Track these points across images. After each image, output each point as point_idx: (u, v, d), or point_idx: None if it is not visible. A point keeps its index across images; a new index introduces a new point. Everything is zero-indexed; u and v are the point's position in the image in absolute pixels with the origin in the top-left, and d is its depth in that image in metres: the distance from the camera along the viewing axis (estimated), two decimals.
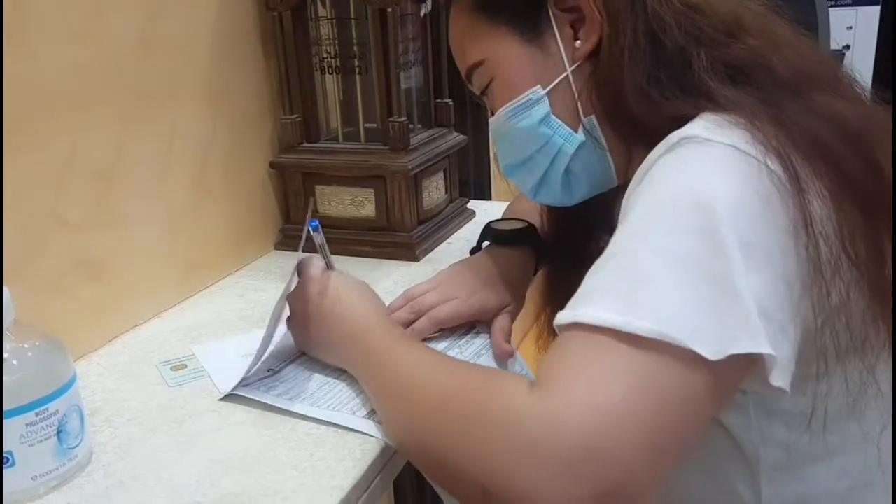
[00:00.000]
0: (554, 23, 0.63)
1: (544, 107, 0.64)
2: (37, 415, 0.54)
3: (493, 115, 0.69)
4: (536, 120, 0.65)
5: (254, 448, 0.60)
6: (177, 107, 0.89)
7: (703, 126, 0.52)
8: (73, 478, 0.57)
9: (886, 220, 0.51)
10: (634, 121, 0.58)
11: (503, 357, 0.74)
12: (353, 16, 0.98)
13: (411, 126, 1.04)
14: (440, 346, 0.75)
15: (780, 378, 0.46)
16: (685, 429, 0.45)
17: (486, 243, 0.85)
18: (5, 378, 0.53)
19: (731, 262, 0.45)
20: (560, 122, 0.65)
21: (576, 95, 0.63)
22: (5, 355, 0.54)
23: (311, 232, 0.69)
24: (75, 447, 0.57)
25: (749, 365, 0.46)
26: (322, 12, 1.00)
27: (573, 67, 0.63)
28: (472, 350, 0.75)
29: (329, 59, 1.01)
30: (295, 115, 1.02)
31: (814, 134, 0.51)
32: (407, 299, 0.76)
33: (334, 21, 0.99)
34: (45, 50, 0.71)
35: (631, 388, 0.44)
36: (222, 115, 0.96)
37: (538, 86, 0.64)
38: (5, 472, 0.53)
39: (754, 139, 0.49)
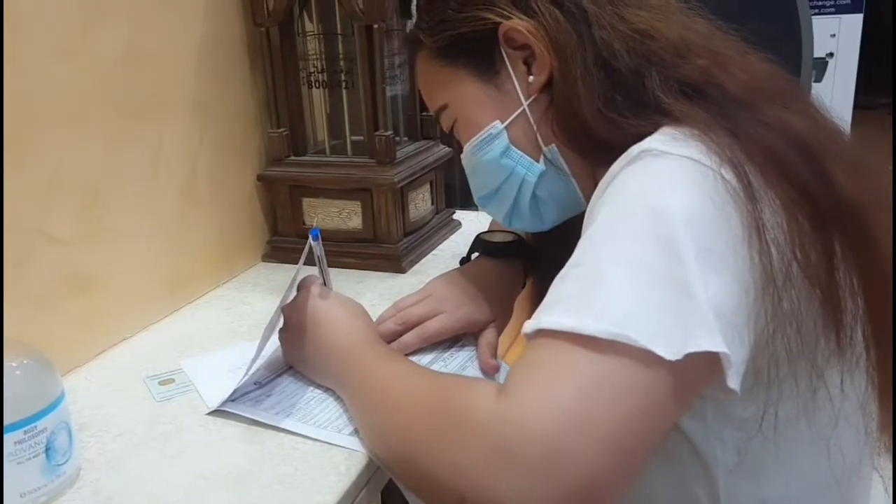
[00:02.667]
0: (507, 61, 0.66)
1: (504, 140, 0.67)
2: (25, 433, 0.55)
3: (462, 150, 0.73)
4: (498, 153, 0.68)
5: (240, 463, 0.61)
6: (164, 121, 0.90)
7: (660, 139, 0.54)
8: (62, 494, 0.58)
9: (838, 228, 0.53)
10: (598, 143, 0.60)
11: (490, 372, 0.75)
12: (339, 31, 0.99)
13: (397, 139, 1.05)
14: (426, 358, 0.76)
15: (734, 380, 0.47)
16: (646, 429, 0.46)
17: (475, 254, 0.86)
18: None
19: (688, 267, 0.47)
20: (521, 153, 0.67)
21: (534, 127, 0.66)
22: None
23: (312, 241, 0.71)
24: (63, 464, 0.58)
25: (706, 366, 0.47)
26: (309, 28, 1.01)
27: (529, 101, 0.66)
28: (457, 363, 0.76)
29: (316, 74, 1.02)
30: (282, 129, 1.03)
31: (765, 145, 0.53)
32: (396, 310, 0.78)
33: (321, 36, 1.00)
34: (31, 65, 0.72)
35: (586, 388, 0.45)
36: (209, 129, 0.97)
37: (497, 121, 0.67)
38: None
39: (709, 150, 0.52)
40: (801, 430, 0.56)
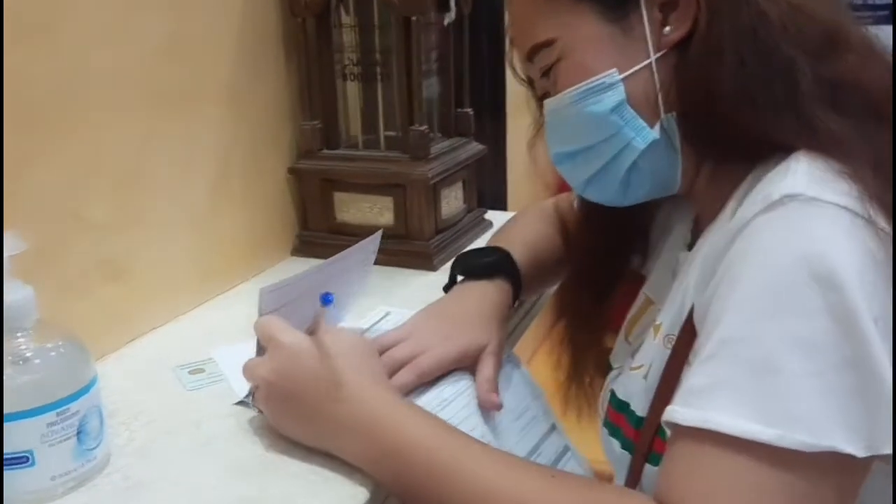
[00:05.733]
0: (643, 4, 0.57)
1: (619, 93, 0.58)
2: (58, 415, 0.54)
3: (544, 97, 0.63)
4: (608, 107, 0.58)
5: (271, 453, 0.60)
6: (199, 110, 0.89)
7: (806, 179, 0.48)
8: (92, 479, 0.57)
9: None
10: (720, 127, 0.54)
11: (490, 409, 0.67)
12: (376, 23, 0.98)
13: (431, 135, 1.04)
14: (426, 397, 0.66)
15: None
16: None
17: (461, 278, 0.78)
18: (27, 377, 0.53)
19: (870, 344, 0.43)
20: (634, 114, 0.58)
21: (657, 86, 0.57)
22: (28, 354, 0.54)
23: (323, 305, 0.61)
24: (94, 448, 0.57)
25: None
26: (345, 19, 1.00)
27: (658, 55, 0.57)
28: (462, 403, 0.67)
29: (351, 66, 1.01)
30: (315, 122, 1.03)
31: None
32: (380, 349, 0.67)
33: (357, 28, 0.99)
34: (73, 50, 0.72)
35: None
36: (243, 120, 0.96)
37: (614, 69, 0.57)
38: (25, 471, 0.53)
39: (860, 194, 0.46)
40: None
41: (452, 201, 1.07)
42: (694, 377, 0.47)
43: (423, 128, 0.98)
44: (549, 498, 0.49)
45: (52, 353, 0.55)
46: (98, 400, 0.58)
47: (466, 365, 0.69)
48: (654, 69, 0.57)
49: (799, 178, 0.48)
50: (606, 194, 0.64)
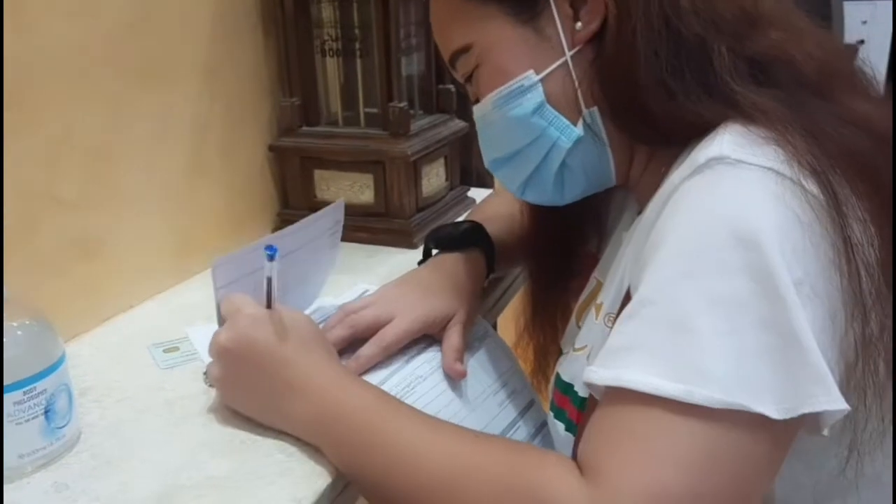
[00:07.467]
0: (552, 2, 0.57)
1: (538, 95, 0.58)
2: (24, 393, 0.54)
3: (476, 102, 0.64)
4: (529, 109, 0.58)
5: (242, 432, 0.60)
6: (173, 86, 0.88)
7: (731, 144, 0.47)
8: (61, 457, 0.57)
9: None
10: (645, 117, 0.54)
11: (455, 378, 0.68)
12: None
13: (412, 111, 1.03)
14: (386, 370, 0.66)
15: (827, 427, 0.44)
16: (752, 496, 0.43)
17: (435, 251, 0.78)
18: None
19: (788, 305, 0.42)
20: (556, 113, 0.58)
21: (576, 84, 0.57)
22: None
23: (266, 262, 0.59)
24: (63, 427, 0.57)
25: (814, 416, 0.43)
26: None
27: (572, 52, 0.57)
28: (424, 370, 0.68)
29: (330, 42, 1.00)
30: (294, 98, 1.02)
31: (848, 147, 0.47)
32: (344, 314, 0.68)
33: (336, 3, 0.98)
34: (42, 24, 0.71)
35: (697, 470, 0.41)
36: (219, 96, 0.95)
37: (531, 70, 0.58)
38: None
39: (788, 158, 0.46)
40: (871, 462, 0.51)
41: (433, 178, 1.07)
42: (612, 337, 0.47)
43: (403, 104, 0.97)
44: (473, 459, 0.50)
45: (19, 332, 0.55)
46: (66, 378, 0.58)
47: (434, 332, 0.69)
48: (571, 66, 0.57)
49: (725, 143, 0.48)
50: (544, 196, 0.64)
